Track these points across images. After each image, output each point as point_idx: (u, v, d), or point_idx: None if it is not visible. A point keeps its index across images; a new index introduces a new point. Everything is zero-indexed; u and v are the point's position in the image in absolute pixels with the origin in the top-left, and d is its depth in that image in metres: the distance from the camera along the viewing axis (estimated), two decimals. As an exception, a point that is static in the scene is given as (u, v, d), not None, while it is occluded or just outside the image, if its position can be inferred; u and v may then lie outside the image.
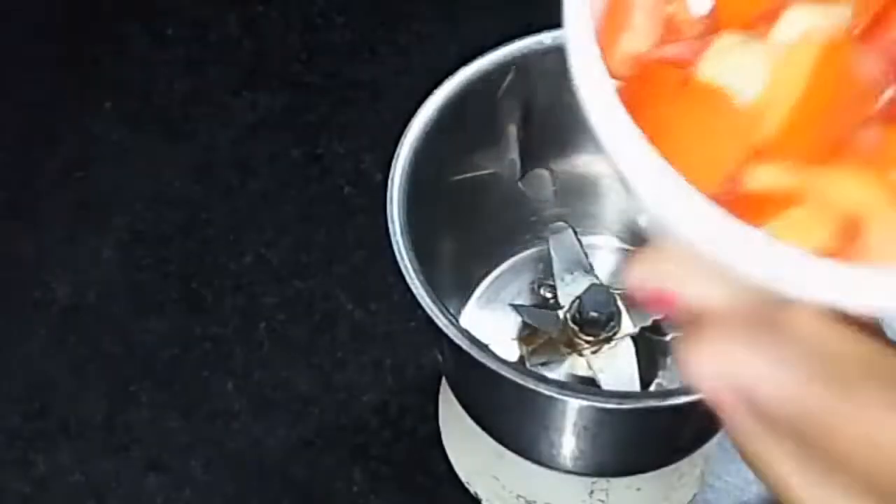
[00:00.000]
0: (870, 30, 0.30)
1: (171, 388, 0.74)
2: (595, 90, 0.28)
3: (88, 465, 0.71)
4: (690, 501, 0.68)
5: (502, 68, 0.59)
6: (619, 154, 0.26)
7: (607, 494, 0.66)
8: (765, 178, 0.28)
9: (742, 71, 0.28)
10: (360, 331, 0.75)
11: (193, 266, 0.79)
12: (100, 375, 0.74)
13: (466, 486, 0.69)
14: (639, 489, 0.66)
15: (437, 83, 0.57)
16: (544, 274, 0.69)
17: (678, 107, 0.28)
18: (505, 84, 0.59)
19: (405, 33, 0.91)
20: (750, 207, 0.28)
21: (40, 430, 0.72)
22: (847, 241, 0.28)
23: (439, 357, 0.60)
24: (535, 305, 0.68)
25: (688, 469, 0.67)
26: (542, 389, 0.48)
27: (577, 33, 0.29)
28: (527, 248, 0.70)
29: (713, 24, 0.30)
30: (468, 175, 0.64)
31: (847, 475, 0.24)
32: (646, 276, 0.27)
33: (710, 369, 0.25)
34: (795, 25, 0.28)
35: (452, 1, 0.92)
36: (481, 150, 0.63)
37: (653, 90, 0.30)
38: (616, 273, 0.70)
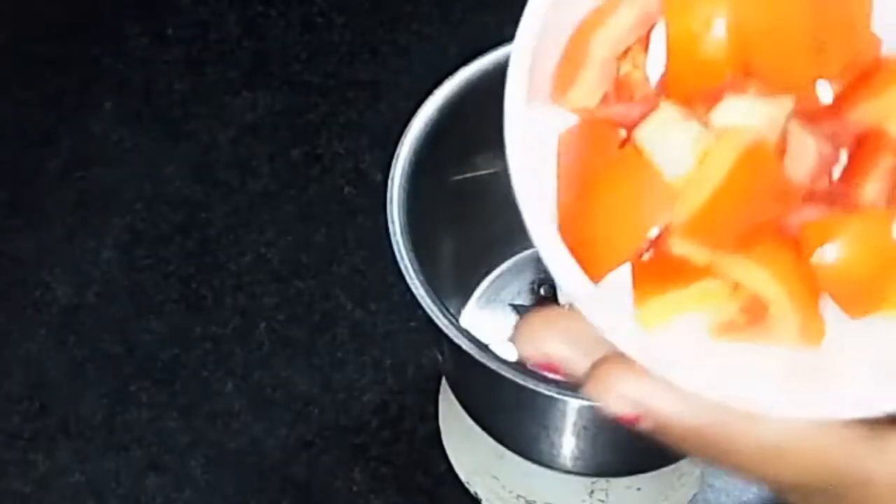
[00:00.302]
0: (829, 110, 0.31)
1: (171, 388, 0.74)
2: (526, 185, 0.30)
3: (88, 465, 0.71)
4: (690, 501, 0.68)
5: (502, 68, 0.58)
6: (541, 248, 0.29)
7: (607, 494, 0.66)
8: (681, 249, 0.29)
9: (672, 148, 0.29)
10: (360, 331, 0.75)
11: (193, 266, 0.79)
12: (100, 375, 0.74)
13: (466, 486, 0.69)
14: (639, 489, 0.66)
15: (437, 83, 0.57)
16: (544, 274, 0.69)
17: (613, 165, 0.30)
18: (505, 84, 0.59)
19: (405, 33, 0.91)
20: (673, 268, 0.30)
21: (40, 430, 0.72)
22: (753, 319, 0.30)
23: (439, 357, 0.60)
24: (535, 305, 0.68)
25: (688, 469, 0.67)
26: (542, 389, 0.48)
27: (513, 121, 0.31)
28: (527, 248, 0.70)
29: (662, 90, 0.31)
30: (468, 175, 0.64)
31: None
32: (532, 349, 0.31)
33: (621, 397, 0.29)
34: (730, 114, 0.29)
35: (452, 1, 0.92)
36: (481, 150, 0.62)
37: (595, 144, 0.31)
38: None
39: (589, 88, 0.31)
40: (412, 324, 0.75)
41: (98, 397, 0.73)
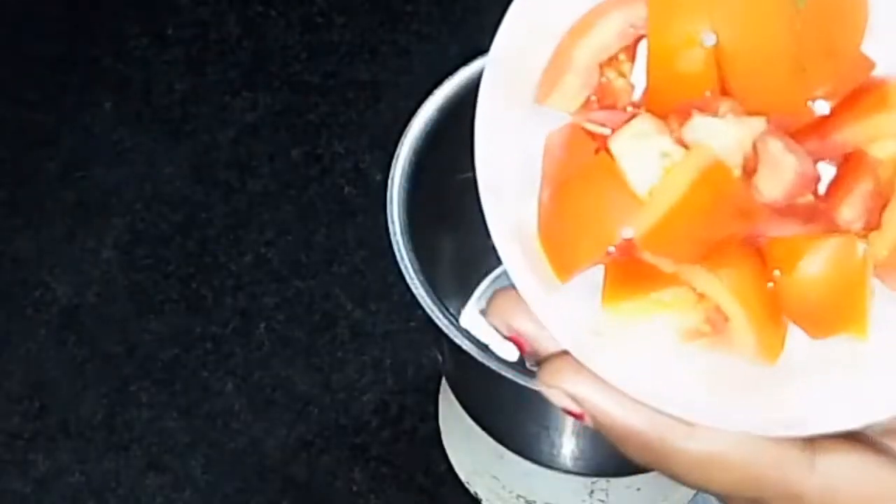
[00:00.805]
0: (816, 129, 0.31)
1: (171, 388, 0.74)
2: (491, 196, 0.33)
3: (88, 465, 0.71)
4: (690, 501, 0.68)
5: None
6: (497, 246, 0.31)
7: (607, 494, 0.66)
8: (649, 257, 0.30)
9: (641, 160, 0.30)
10: (360, 331, 0.75)
11: (193, 266, 0.79)
12: (100, 375, 0.74)
13: (466, 486, 0.69)
14: (639, 489, 0.66)
15: (437, 83, 0.57)
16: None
17: (586, 170, 0.31)
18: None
19: (405, 33, 0.91)
20: (643, 273, 0.31)
21: (40, 430, 0.72)
22: (716, 328, 0.31)
23: (439, 357, 0.60)
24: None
25: (688, 469, 0.67)
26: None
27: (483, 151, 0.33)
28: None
29: (643, 100, 0.32)
30: (468, 175, 0.63)
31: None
32: (503, 321, 0.32)
33: (566, 393, 0.30)
34: (699, 132, 0.30)
35: (452, 1, 0.92)
36: (481, 150, 0.62)
37: (573, 148, 0.32)
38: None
39: (571, 93, 0.32)
40: (412, 324, 0.75)
41: (98, 397, 0.73)
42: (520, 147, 0.33)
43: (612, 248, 0.30)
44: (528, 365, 0.65)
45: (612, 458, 0.59)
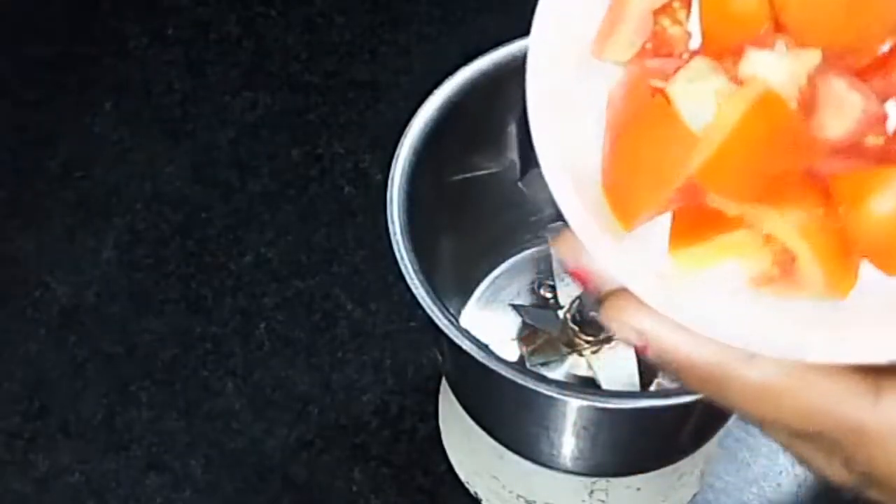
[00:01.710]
0: (877, 67, 0.31)
1: (171, 388, 0.74)
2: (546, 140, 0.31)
3: (88, 465, 0.71)
4: (690, 501, 0.68)
5: (502, 68, 0.59)
6: (557, 201, 0.31)
7: (607, 494, 0.66)
8: (714, 201, 0.30)
9: (698, 100, 0.30)
10: (360, 331, 0.75)
11: (193, 266, 0.79)
12: (100, 375, 0.74)
13: (466, 486, 0.69)
14: (639, 489, 0.66)
15: (437, 83, 0.57)
16: (544, 274, 0.69)
17: (644, 115, 0.31)
18: (505, 84, 0.59)
19: (405, 33, 0.91)
20: (710, 217, 0.30)
21: (40, 430, 0.72)
22: (784, 271, 0.31)
23: (439, 357, 0.60)
24: (535, 305, 0.68)
25: (688, 469, 0.67)
26: (542, 389, 0.48)
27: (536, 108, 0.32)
28: (527, 248, 0.70)
29: (700, 47, 0.32)
30: (468, 175, 0.64)
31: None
32: (569, 256, 0.33)
33: (629, 327, 0.31)
34: (753, 67, 0.30)
35: (452, 1, 0.92)
36: (481, 150, 0.62)
37: (631, 97, 0.32)
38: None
39: (625, 43, 0.32)
40: (412, 324, 0.75)
41: (98, 397, 0.73)
42: (573, 103, 0.33)
43: (674, 195, 0.30)
44: (529, 365, 0.65)
45: (612, 458, 0.59)
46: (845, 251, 0.30)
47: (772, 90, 0.29)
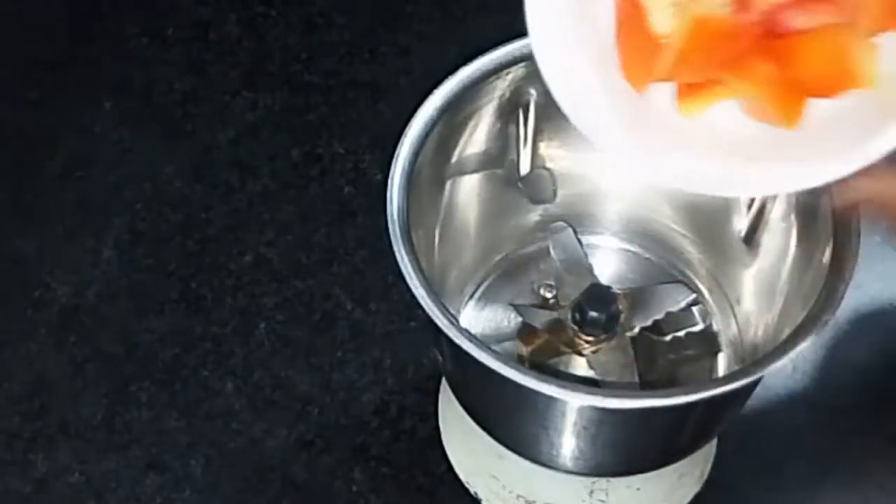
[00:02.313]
0: None
1: (171, 388, 0.74)
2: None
3: (88, 465, 0.71)
4: (690, 501, 0.68)
5: (502, 68, 0.58)
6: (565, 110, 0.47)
7: (607, 494, 0.66)
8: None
9: (664, 11, 0.45)
10: (360, 331, 0.75)
11: (193, 266, 0.79)
12: (100, 375, 0.74)
13: (466, 486, 0.69)
14: (639, 489, 0.66)
15: (437, 83, 0.57)
16: (544, 274, 0.69)
17: (634, 21, 0.46)
18: (505, 84, 0.59)
19: (405, 33, 0.91)
20: (699, 88, 0.47)
21: (40, 430, 0.72)
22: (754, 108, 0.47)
23: (439, 357, 0.60)
24: (535, 305, 0.68)
25: (688, 469, 0.67)
26: (542, 389, 0.48)
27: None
28: (527, 248, 0.70)
29: None
30: (468, 175, 0.64)
31: None
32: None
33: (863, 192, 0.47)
34: None
35: (452, 1, 0.92)
36: (481, 149, 0.62)
37: (628, 7, 0.46)
38: (616, 273, 0.70)
39: None
40: (412, 324, 0.75)
41: (98, 397, 0.73)
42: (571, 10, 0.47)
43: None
44: (529, 365, 0.65)
45: (612, 458, 0.59)
46: (789, 94, 0.45)
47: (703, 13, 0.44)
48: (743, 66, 0.45)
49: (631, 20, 0.46)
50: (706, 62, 0.45)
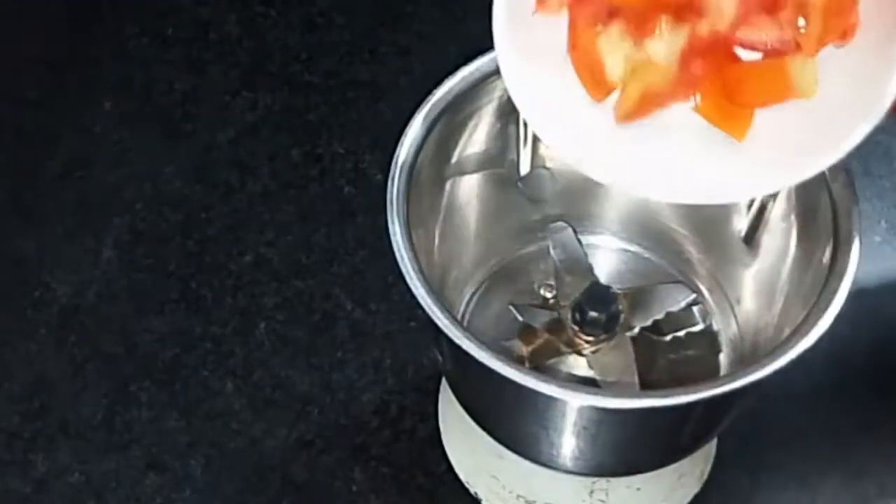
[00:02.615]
0: None
1: (171, 388, 0.74)
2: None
3: (88, 465, 0.71)
4: (690, 501, 0.68)
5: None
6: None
7: (607, 494, 0.66)
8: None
9: (616, 58, 0.49)
10: (360, 331, 0.75)
11: (193, 266, 0.79)
12: (100, 375, 0.74)
13: (466, 486, 0.69)
14: (639, 489, 0.66)
15: (437, 83, 0.57)
16: (544, 274, 0.69)
17: (581, 51, 0.49)
18: (505, 84, 0.59)
19: (405, 33, 0.91)
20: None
21: (40, 430, 0.72)
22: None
23: (439, 357, 0.60)
24: (534, 305, 0.68)
25: (688, 469, 0.67)
26: (542, 389, 0.48)
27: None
28: (527, 248, 0.70)
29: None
30: (468, 175, 0.64)
31: None
32: None
33: None
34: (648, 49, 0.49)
35: (452, 1, 0.92)
36: (481, 149, 0.62)
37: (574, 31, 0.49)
38: (616, 273, 0.70)
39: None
40: (412, 324, 0.75)
41: (98, 397, 0.73)
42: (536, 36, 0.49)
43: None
44: (529, 365, 0.65)
45: (612, 458, 0.59)
46: (735, 110, 0.48)
47: (657, 70, 0.48)
48: (692, 88, 0.48)
49: (578, 50, 0.49)
50: (656, 103, 0.49)
